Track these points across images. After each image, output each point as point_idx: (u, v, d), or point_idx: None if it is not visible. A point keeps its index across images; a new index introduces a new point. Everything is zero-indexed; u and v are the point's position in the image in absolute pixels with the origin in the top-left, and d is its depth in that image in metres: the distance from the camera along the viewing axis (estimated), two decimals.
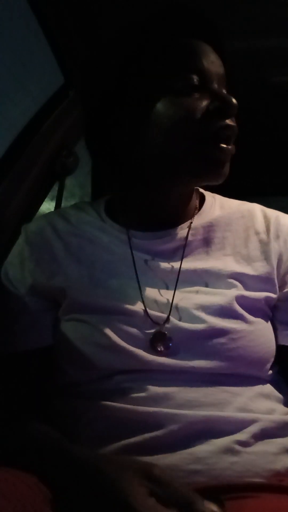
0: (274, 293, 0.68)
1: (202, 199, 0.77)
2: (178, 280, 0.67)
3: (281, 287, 0.69)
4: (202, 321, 0.63)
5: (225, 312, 0.64)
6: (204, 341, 0.62)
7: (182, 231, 0.71)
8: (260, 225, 0.72)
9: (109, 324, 0.63)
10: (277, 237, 0.71)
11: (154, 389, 0.60)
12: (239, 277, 0.67)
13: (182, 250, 0.69)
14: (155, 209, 0.71)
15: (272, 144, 1.53)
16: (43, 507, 0.48)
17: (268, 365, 0.66)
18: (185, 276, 0.67)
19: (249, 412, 0.60)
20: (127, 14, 0.97)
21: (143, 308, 0.64)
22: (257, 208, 0.75)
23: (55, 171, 1.12)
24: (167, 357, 0.61)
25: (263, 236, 0.71)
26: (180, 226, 0.71)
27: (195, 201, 0.75)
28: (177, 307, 0.65)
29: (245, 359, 0.62)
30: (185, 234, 0.70)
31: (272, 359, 0.67)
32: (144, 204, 0.72)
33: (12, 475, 0.50)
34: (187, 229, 0.71)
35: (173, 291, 0.66)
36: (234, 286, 0.66)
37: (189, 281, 0.67)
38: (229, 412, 0.60)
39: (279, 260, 0.69)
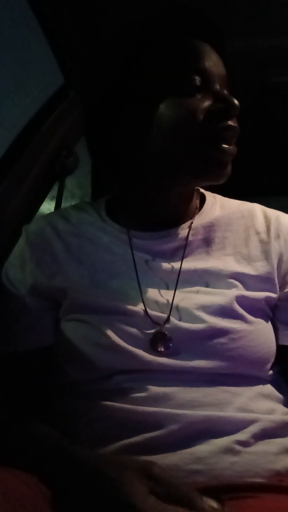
0: (275, 293, 0.68)
1: (202, 199, 0.77)
2: (178, 280, 0.67)
3: (282, 287, 0.69)
4: (203, 321, 0.63)
5: (225, 312, 0.64)
6: (204, 341, 0.62)
7: (182, 231, 0.71)
8: (261, 225, 0.72)
9: (110, 324, 0.63)
10: (278, 237, 0.71)
11: (154, 389, 0.60)
12: (240, 277, 0.67)
13: (183, 250, 0.69)
14: (155, 209, 0.71)
15: (272, 144, 1.53)
16: (43, 507, 0.48)
17: (269, 365, 0.66)
18: (185, 276, 0.67)
19: (249, 412, 0.60)
20: (127, 14, 0.97)
21: (144, 308, 0.64)
22: (257, 208, 0.75)
23: (55, 171, 1.12)
24: (167, 357, 0.61)
25: (264, 236, 0.71)
26: (180, 226, 0.71)
27: (196, 201, 0.75)
28: (177, 307, 0.65)
29: (246, 359, 0.62)
30: (186, 234, 0.70)
31: (273, 359, 0.67)
32: (145, 204, 0.72)
33: (12, 475, 0.50)
34: (188, 229, 0.71)
35: (173, 291, 0.66)
36: (234, 286, 0.66)
37: (190, 281, 0.67)
38: (229, 412, 0.60)
39: (280, 260, 0.69)
